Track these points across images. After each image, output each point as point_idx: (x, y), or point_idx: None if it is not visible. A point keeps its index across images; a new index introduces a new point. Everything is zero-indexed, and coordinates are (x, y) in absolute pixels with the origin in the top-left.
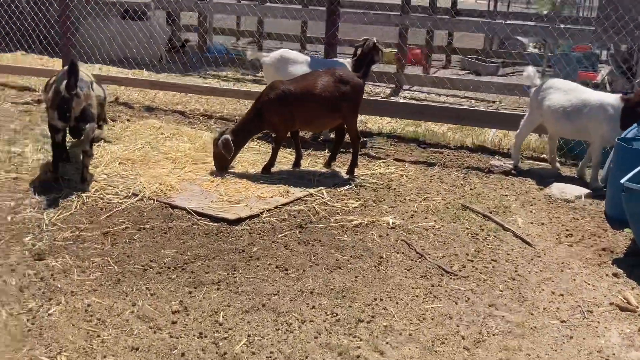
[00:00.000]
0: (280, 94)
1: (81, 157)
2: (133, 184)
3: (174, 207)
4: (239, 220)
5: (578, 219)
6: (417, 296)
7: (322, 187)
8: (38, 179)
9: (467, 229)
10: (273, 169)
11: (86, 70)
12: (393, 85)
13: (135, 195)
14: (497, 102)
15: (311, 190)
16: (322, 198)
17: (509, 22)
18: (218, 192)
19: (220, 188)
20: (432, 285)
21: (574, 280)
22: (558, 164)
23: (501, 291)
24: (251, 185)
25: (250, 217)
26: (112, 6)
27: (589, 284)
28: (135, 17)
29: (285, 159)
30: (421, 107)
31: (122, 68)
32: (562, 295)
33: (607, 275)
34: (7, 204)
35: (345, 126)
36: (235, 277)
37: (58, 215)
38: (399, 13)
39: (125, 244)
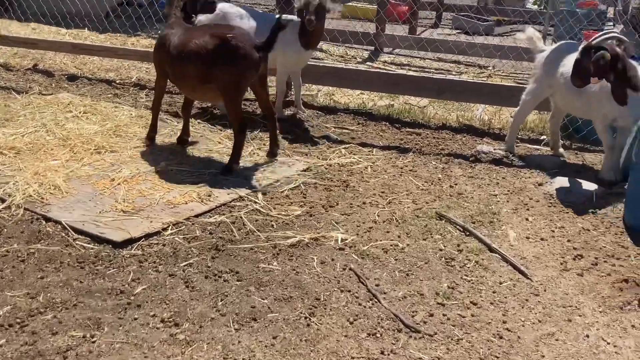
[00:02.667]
0: (160, 39)
1: None
2: (5, 184)
3: (47, 219)
4: (128, 242)
5: (589, 230)
6: None
7: (258, 187)
8: None
9: (441, 250)
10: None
11: None
12: (372, 48)
13: (3, 201)
14: (490, 69)
15: (242, 192)
16: (256, 203)
17: None
18: (115, 195)
19: (119, 190)
20: (382, 353)
21: (587, 337)
22: (562, 149)
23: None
24: (163, 184)
25: (147, 236)
26: None
27: (607, 343)
28: None
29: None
30: (396, 77)
31: (59, 27)
32: None
33: (632, 326)
34: None
35: (260, 100)
36: (94, 342)
37: None
38: None
39: None
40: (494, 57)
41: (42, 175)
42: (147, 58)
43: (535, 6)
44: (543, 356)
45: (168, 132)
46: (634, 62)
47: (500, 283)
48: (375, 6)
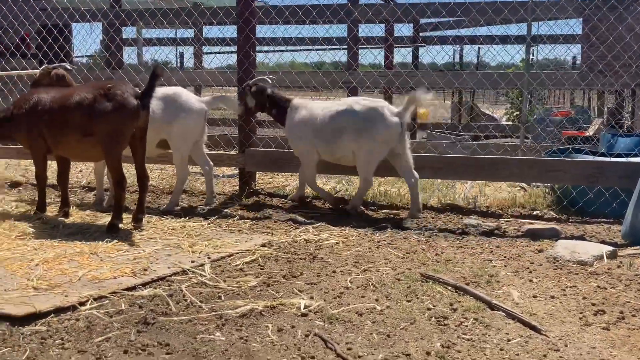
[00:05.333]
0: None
1: None
2: None
3: None
4: (31, 318)
5: (606, 288)
6: None
7: (206, 261)
8: None
9: (429, 309)
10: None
11: None
12: None
13: None
14: None
15: (187, 266)
16: (202, 276)
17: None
18: (29, 275)
19: (37, 270)
20: None
21: None
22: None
23: None
24: (91, 262)
25: (58, 310)
26: None
27: None
28: None
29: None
30: None
31: None
32: None
33: None
34: None
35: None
36: None
37: None
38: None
39: None
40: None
41: None
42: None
43: (506, 120)
44: None
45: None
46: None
47: (509, 340)
48: None
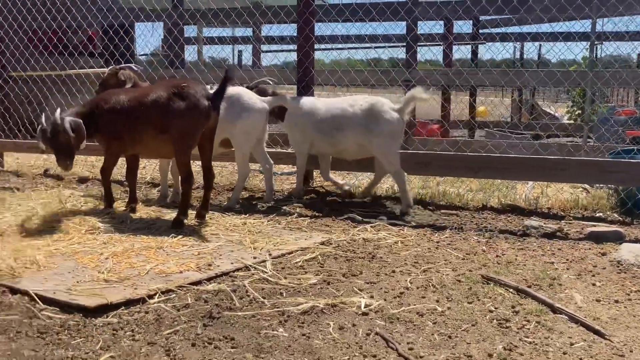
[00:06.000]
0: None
1: None
2: None
3: (14, 291)
4: (103, 309)
5: None
6: None
7: (267, 258)
8: None
9: (491, 312)
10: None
11: None
12: None
13: None
14: None
15: (249, 262)
16: (263, 272)
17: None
18: (99, 267)
19: (107, 263)
20: None
21: None
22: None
23: None
24: (158, 257)
25: (128, 303)
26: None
27: None
28: None
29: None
30: (427, 156)
31: None
32: None
33: None
34: None
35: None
36: None
37: None
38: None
39: None
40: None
41: (20, 252)
42: None
43: (572, 120)
44: None
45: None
46: None
47: (572, 344)
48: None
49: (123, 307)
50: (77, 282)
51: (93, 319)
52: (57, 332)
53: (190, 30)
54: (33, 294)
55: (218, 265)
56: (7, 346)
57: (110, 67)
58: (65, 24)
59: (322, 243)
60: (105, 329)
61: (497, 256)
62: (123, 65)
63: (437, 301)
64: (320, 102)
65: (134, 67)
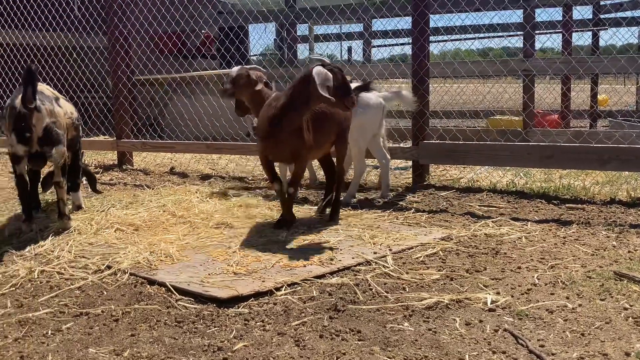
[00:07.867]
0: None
1: (55, 191)
2: (116, 254)
3: (152, 282)
4: (234, 300)
5: None
6: None
7: (387, 253)
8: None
9: (626, 309)
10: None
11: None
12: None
13: (109, 267)
14: None
15: (370, 257)
16: (385, 267)
17: None
18: (228, 261)
19: (234, 256)
20: None
21: None
22: None
23: None
24: (282, 251)
25: (257, 294)
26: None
27: None
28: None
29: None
30: (551, 148)
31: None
32: None
33: None
34: None
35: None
36: None
37: None
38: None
39: (43, 338)
40: None
41: (155, 246)
42: None
43: None
44: None
45: None
46: None
47: None
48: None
49: (252, 299)
50: (209, 274)
51: (225, 309)
52: (193, 322)
53: (302, 29)
54: (169, 286)
55: (340, 260)
56: (149, 333)
57: (239, 67)
58: (189, 29)
59: (443, 238)
60: (237, 319)
61: (629, 252)
62: (252, 66)
63: (567, 298)
64: None
65: (261, 68)
